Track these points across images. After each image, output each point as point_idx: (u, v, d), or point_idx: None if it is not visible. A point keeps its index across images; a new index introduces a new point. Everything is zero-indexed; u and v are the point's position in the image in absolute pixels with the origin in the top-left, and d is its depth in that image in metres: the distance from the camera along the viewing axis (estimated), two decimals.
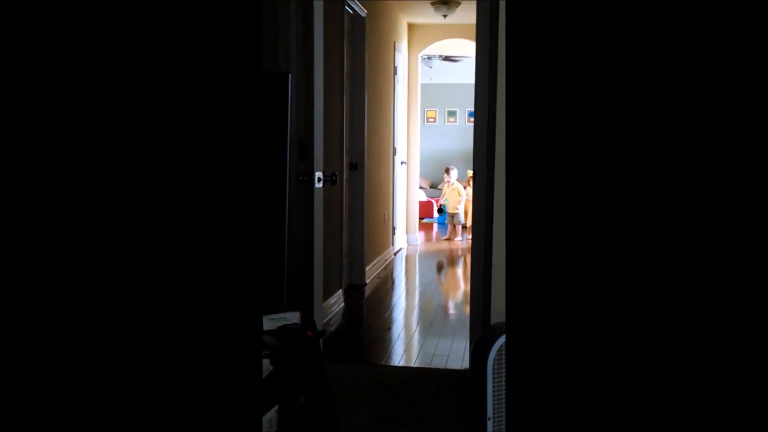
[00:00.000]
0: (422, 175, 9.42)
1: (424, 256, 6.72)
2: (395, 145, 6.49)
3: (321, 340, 2.50)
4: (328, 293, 4.06)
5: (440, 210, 8.70)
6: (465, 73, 9.00)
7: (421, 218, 8.69)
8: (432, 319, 4.18)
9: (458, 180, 8.29)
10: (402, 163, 6.92)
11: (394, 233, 6.51)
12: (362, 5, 4.93)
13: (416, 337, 3.90)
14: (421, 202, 8.74)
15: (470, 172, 7.73)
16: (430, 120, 10.58)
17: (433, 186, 10.37)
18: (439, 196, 9.98)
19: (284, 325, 2.18)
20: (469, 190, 7.30)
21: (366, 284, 5.11)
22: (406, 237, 7.20)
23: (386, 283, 5.41)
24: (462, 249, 7.19)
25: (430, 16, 6.73)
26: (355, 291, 4.92)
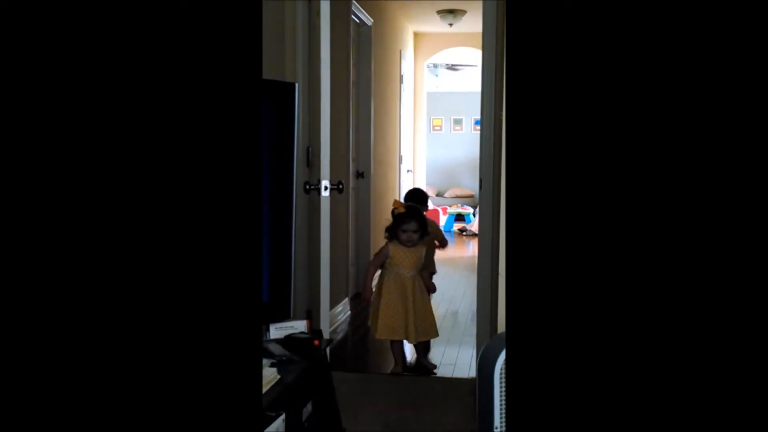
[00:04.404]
0: (428, 183, 9.41)
1: None
2: (401, 154, 6.49)
3: (327, 349, 2.50)
4: (334, 302, 4.05)
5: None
6: (471, 82, 9.00)
7: None
8: (439, 327, 4.16)
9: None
10: (408, 171, 6.92)
11: None
12: (368, 14, 4.95)
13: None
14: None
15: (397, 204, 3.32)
16: (436, 128, 10.58)
17: (440, 194, 10.35)
18: (445, 205, 9.92)
19: (291, 334, 2.18)
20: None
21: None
22: None
23: None
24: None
25: (436, 25, 6.75)
26: (360, 299, 4.91)
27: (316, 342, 2.16)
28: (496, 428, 1.91)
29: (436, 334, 3.41)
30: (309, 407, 2.23)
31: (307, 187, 2.76)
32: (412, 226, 3.19)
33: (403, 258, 3.23)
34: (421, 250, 3.29)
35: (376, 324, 3.28)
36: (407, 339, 3.29)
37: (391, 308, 3.23)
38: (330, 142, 2.87)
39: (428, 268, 3.42)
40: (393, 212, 3.32)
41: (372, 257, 4.29)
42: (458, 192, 10.28)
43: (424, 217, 3.33)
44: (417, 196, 4.11)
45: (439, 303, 4.90)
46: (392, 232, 3.25)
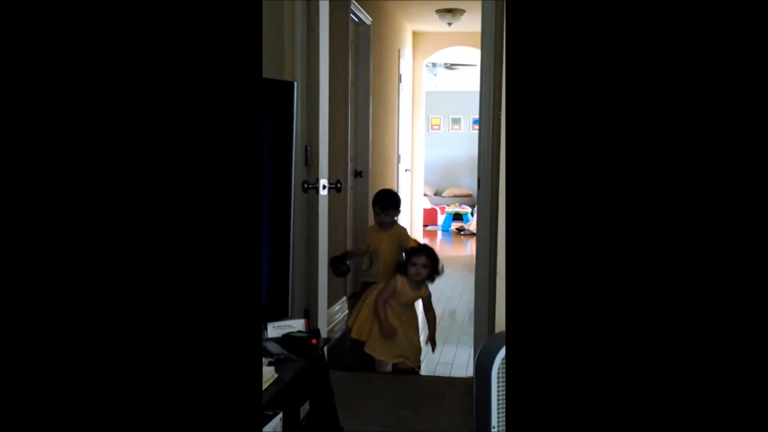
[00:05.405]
0: (426, 183, 9.42)
1: None
2: (399, 153, 6.49)
3: (325, 348, 2.50)
4: (332, 300, 4.05)
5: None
6: (469, 81, 9.01)
7: (425, 225, 8.68)
8: (436, 326, 4.16)
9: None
10: (406, 170, 6.92)
11: None
12: (367, 13, 4.95)
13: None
14: (425, 210, 8.74)
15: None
16: (435, 127, 10.58)
17: (438, 193, 10.36)
18: (443, 204, 9.93)
19: (288, 333, 2.18)
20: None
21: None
22: None
23: None
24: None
25: (434, 24, 6.75)
26: (359, 298, 4.90)
27: (314, 341, 2.15)
28: (494, 428, 1.91)
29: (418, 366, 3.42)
30: (306, 406, 2.23)
31: (306, 185, 2.76)
32: (421, 260, 3.25)
33: (406, 297, 3.31)
34: (424, 293, 3.37)
35: (375, 346, 3.32)
36: (410, 363, 3.33)
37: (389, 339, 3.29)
38: (328, 141, 2.87)
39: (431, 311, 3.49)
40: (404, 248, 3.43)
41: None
42: (456, 191, 10.29)
43: (435, 255, 3.36)
44: (385, 200, 3.64)
45: (436, 302, 4.89)
46: (401, 266, 3.33)
